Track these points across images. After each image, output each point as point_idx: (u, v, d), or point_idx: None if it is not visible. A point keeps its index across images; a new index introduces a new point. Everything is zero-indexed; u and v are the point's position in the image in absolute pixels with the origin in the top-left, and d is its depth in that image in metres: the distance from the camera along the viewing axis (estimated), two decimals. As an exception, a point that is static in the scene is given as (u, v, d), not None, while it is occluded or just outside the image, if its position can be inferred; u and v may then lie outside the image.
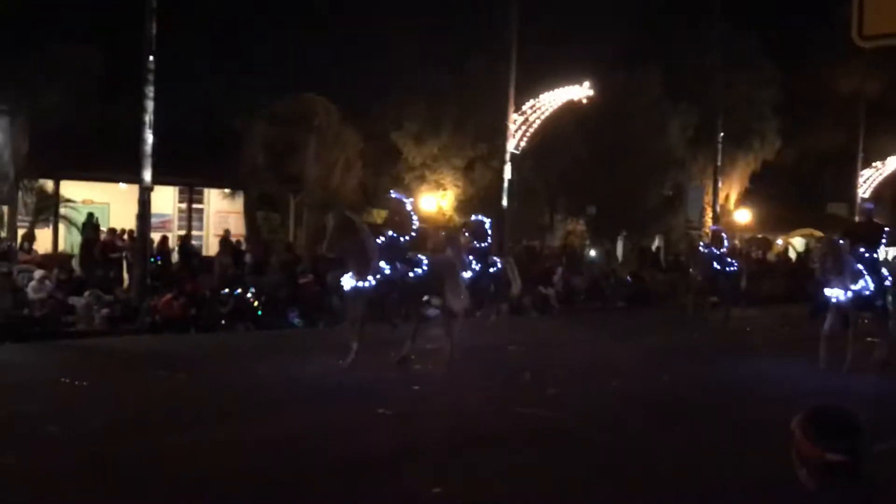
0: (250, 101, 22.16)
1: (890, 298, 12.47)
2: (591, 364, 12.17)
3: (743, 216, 32.78)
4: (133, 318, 16.20)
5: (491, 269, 16.46)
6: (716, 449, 7.33)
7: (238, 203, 23.73)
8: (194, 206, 23.91)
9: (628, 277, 25.28)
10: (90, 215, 20.40)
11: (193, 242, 21.97)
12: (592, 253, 26.15)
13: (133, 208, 18.50)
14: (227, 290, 17.23)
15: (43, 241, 19.75)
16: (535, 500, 5.94)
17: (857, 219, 13.93)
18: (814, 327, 12.42)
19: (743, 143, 31.21)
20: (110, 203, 22.19)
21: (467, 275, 15.41)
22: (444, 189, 26.67)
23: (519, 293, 17.90)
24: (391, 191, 12.40)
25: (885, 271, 12.55)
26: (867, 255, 12.20)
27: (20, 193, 19.19)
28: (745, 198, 33.30)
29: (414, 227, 11.97)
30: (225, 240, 21.26)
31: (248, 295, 17.21)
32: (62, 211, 20.58)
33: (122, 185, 21.27)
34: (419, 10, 23.56)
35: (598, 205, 27.63)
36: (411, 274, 11.57)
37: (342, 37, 25.13)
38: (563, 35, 23.30)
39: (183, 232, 22.80)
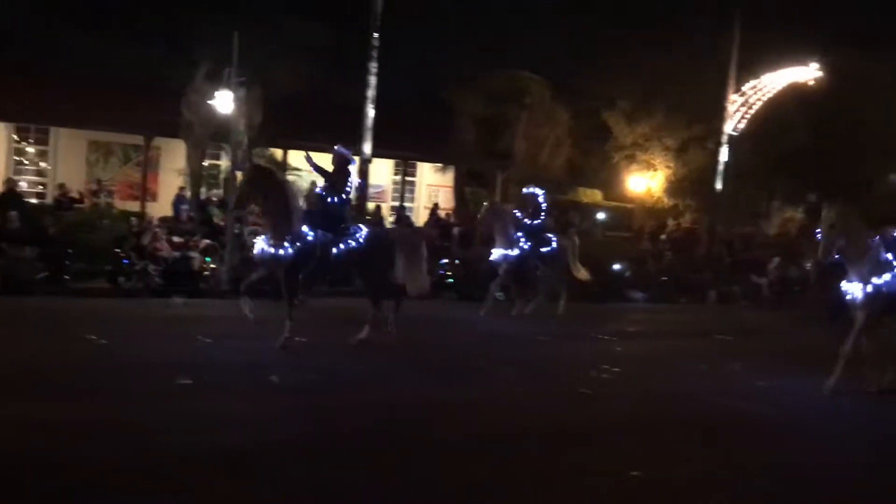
0: (465, 76, 22.60)
1: None
2: (805, 357, 11.56)
3: None
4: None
5: (543, 249, 14.60)
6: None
7: (448, 177, 24.38)
8: (407, 178, 24.77)
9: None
10: (313, 183, 21.62)
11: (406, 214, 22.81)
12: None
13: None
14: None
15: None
16: (728, 486, 5.82)
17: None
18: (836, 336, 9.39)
19: None
20: (331, 172, 23.39)
21: (513, 254, 14.23)
22: (655, 170, 26.10)
23: (586, 279, 15.45)
24: (336, 146, 10.57)
25: None
26: None
27: (252, 160, 20.63)
28: None
29: (349, 188, 10.42)
30: (433, 212, 21.97)
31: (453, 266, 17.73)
32: (289, 178, 21.90)
33: (342, 156, 22.35)
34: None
35: (820, 193, 26.04)
36: (342, 245, 10.10)
37: (556, 12, 25.04)
38: (790, 11, 22.07)
39: (396, 203, 23.73)
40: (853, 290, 8.92)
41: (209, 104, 18.49)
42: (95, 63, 19.56)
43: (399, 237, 11.40)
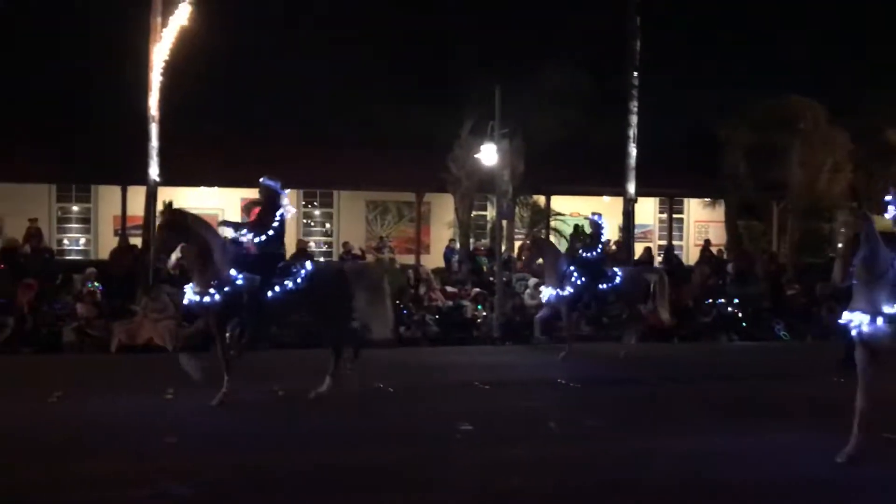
0: (732, 107, 21.80)
1: None
2: None
3: None
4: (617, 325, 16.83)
5: (602, 286, 12.79)
6: None
7: (718, 212, 23.47)
8: (674, 215, 24.15)
9: None
10: (576, 227, 21.72)
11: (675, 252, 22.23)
12: None
13: (615, 219, 19.32)
14: (709, 301, 17.15)
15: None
16: None
17: None
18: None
19: None
20: (595, 215, 23.39)
21: (565, 293, 12.57)
22: (958, 190, 23.55)
23: (668, 320, 13.67)
24: (263, 177, 9.26)
25: None
26: None
27: (517, 209, 21.11)
28: None
29: (279, 222, 9.09)
30: (705, 249, 21.23)
31: (731, 306, 16.93)
32: (552, 223, 22.17)
33: (605, 198, 22.30)
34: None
35: None
36: (278, 287, 8.97)
37: (825, 30, 23.55)
38: None
39: (663, 242, 23.19)
40: (858, 320, 6.74)
41: (474, 158, 19.16)
42: (367, 126, 20.99)
43: (354, 271, 9.99)
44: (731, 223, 22.90)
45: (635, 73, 17.86)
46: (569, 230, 21.72)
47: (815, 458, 6.96)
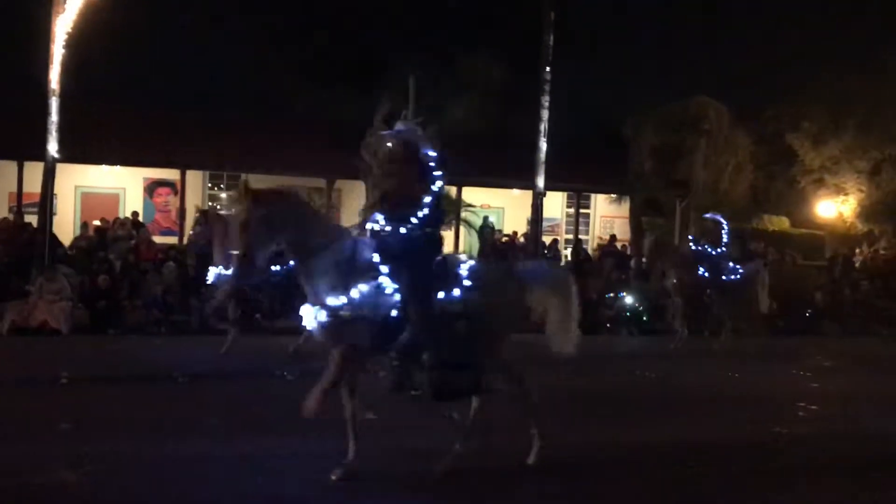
0: (640, 106, 22.30)
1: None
2: None
3: None
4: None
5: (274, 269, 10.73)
6: None
7: (624, 208, 23.98)
8: (581, 210, 24.56)
9: None
10: (485, 218, 21.90)
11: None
12: None
13: (524, 212, 19.51)
14: (611, 294, 17.51)
15: (447, 242, 21.53)
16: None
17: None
18: None
19: None
20: (505, 207, 23.62)
21: (229, 273, 10.96)
22: (846, 194, 24.68)
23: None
24: None
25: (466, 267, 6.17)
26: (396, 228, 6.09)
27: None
28: None
29: None
30: (611, 243, 21.69)
31: (630, 300, 17.31)
32: (463, 214, 22.26)
33: (515, 191, 22.52)
34: (818, 4, 22.14)
35: None
36: None
37: (734, 36, 24.32)
38: None
39: (570, 236, 23.58)
40: (307, 316, 5.87)
41: (388, 146, 19.05)
42: (279, 109, 20.66)
43: None
44: (635, 219, 23.42)
45: (548, 69, 18.00)
46: (479, 222, 21.88)
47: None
